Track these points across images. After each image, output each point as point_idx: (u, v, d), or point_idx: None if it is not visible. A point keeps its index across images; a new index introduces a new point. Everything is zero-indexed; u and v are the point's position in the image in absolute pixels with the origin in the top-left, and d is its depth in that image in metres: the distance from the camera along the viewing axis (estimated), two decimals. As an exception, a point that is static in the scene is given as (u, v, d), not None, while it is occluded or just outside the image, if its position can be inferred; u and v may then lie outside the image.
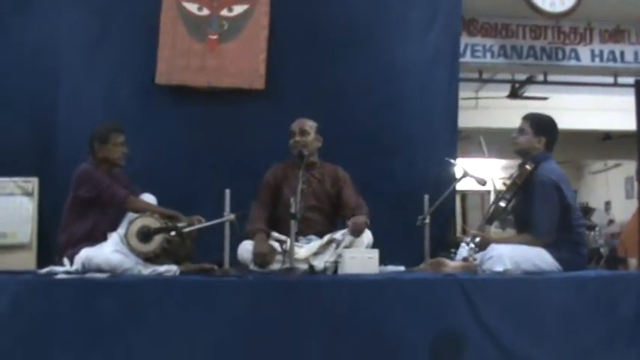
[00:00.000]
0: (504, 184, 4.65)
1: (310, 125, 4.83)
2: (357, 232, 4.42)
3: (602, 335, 4.02)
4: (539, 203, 4.36)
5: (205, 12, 5.62)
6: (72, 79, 5.51)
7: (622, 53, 6.96)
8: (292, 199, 4.10)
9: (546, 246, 4.32)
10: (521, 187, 4.48)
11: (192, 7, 5.61)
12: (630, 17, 6.81)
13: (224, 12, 5.61)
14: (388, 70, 5.79)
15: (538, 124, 4.60)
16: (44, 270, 4.06)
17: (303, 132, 4.78)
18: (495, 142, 4.79)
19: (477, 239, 4.41)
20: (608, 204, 15.69)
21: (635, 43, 6.95)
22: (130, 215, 4.18)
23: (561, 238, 4.35)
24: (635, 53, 6.99)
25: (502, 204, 4.49)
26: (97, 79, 5.55)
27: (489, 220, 4.58)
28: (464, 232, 5.44)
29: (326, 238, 4.51)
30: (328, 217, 4.79)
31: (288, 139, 4.80)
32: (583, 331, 3.99)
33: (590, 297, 4.06)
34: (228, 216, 4.05)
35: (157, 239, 4.05)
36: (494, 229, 5.10)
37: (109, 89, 5.55)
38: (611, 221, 13.25)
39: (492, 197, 4.68)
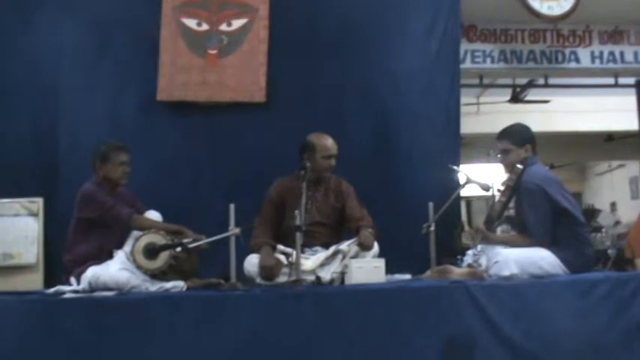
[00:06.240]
0: (498, 190, 4.64)
1: None
2: (366, 249, 4.43)
3: (615, 337, 3.99)
4: (528, 210, 4.36)
5: (205, 27, 5.63)
6: (73, 96, 5.51)
7: (622, 54, 6.96)
8: (297, 212, 4.09)
9: (550, 247, 4.30)
10: (515, 190, 4.47)
11: (192, 23, 5.63)
12: (628, 18, 6.82)
13: (223, 27, 5.62)
14: (389, 79, 5.78)
15: (517, 137, 4.57)
16: (51, 290, 4.04)
17: (336, 156, 4.77)
18: (498, 146, 4.79)
19: (480, 235, 4.40)
20: (613, 205, 15.64)
21: (634, 43, 6.95)
22: (136, 233, 4.16)
23: (562, 239, 4.33)
24: (635, 53, 6.99)
25: (498, 208, 4.49)
26: (98, 96, 5.54)
27: (488, 225, 4.56)
28: (470, 228, 5.36)
29: (332, 249, 4.49)
30: (333, 229, 4.77)
31: (312, 153, 4.67)
32: (596, 333, 3.96)
33: (600, 299, 4.03)
34: (234, 230, 4.03)
35: (163, 256, 4.04)
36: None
37: (110, 106, 5.55)
38: (617, 222, 13.16)
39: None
